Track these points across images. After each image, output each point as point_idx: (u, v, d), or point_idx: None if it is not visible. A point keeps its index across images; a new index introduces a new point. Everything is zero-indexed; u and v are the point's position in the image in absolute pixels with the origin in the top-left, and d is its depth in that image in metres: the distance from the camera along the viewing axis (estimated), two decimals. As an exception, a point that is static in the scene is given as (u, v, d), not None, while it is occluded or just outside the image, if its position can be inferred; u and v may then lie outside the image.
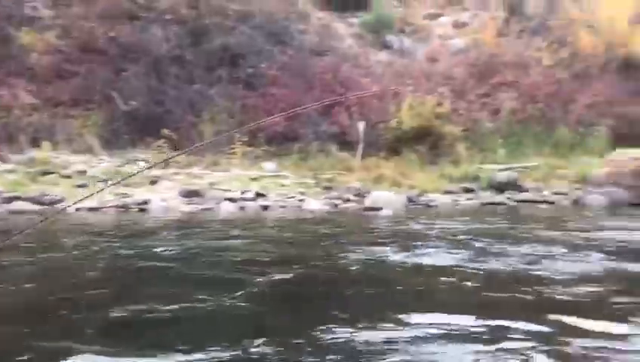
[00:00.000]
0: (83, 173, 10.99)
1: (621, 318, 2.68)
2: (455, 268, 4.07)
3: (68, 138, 12.49)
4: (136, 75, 14.10)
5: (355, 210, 10.41)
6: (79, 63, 13.97)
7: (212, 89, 14.72)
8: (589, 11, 22.01)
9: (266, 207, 10.34)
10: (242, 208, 10.19)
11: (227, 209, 9.96)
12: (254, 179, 12.16)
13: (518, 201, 12.34)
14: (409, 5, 22.30)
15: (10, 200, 9.03)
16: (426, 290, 3.57)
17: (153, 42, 14.77)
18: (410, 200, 11.61)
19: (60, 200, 9.32)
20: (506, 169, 13.83)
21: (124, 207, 9.52)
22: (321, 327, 2.47)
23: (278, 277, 3.76)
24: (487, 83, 17.39)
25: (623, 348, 2.25)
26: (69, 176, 10.80)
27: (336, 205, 10.93)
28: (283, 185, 11.96)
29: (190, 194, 10.55)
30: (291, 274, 3.90)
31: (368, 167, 13.35)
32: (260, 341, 2.28)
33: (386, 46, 20.21)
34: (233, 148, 13.33)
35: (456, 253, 4.74)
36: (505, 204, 12.07)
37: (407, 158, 13.95)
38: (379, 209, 10.14)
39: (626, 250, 5.05)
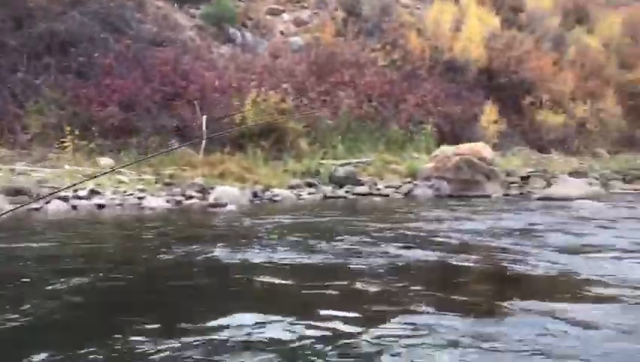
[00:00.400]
0: None
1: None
2: (266, 264, 4.13)
3: None
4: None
5: (199, 207, 10.23)
6: None
7: (39, 78, 13.48)
8: (418, 16, 23.84)
9: (101, 206, 9.73)
10: (75, 207, 9.49)
11: (57, 209, 9.22)
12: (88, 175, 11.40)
13: (355, 195, 13.01)
14: (251, -1, 22.38)
15: None
16: (226, 289, 3.58)
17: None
18: (254, 195, 11.69)
19: None
20: (345, 164, 14.49)
21: None
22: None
23: (75, 282, 3.53)
24: (327, 81, 18.02)
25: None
26: None
27: (178, 202, 10.64)
28: (121, 182, 11.35)
29: (16, 193, 9.59)
30: (89, 280, 3.68)
31: (212, 163, 13.16)
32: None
33: (228, 39, 20.07)
34: (63, 142, 12.36)
35: (276, 249, 4.83)
36: (344, 198, 12.65)
37: (251, 154, 13.99)
38: (223, 205, 10.06)
39: (429, 242, 5.44)
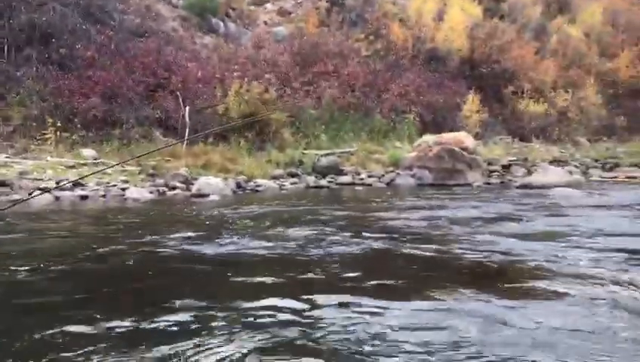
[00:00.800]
0: None
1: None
2: (225, 255, 4.20)
3: None
4: None
5: (182, 197, 10.30)
6: None
7: (20, 70, 13.42)
8: (401, 6, 23.94)
9: (84, 197, 9.77)
10: (57, 198, 9.52)
11: (39, 200, 9.24)
12: (71, 167, 11.41)
13: (338, 184, 13.15)
14: (234, -11, 22.31)
15: None
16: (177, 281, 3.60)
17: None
18: (238, 185, 11.77)
19: None
20: (328, 154, 14.62)
21: None
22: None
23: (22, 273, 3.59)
24: (310, 71, 18.09)
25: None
26: None
27: (162, 193, 10.71)
28: (104, 174, 11.37)
29: (-4, 185, 9.61)
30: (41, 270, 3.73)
31: (196, 154, 13.21)
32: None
33: (211, 30, 20.04)
34: (45, 134, 12.34)
35: (242, 239, 4.92)
36: (327, 187, 12.77)
37: (235, 144, 14.05)
38: (206, 195, 10.14)
39: (390, 230, 5.50)
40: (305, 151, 14.60)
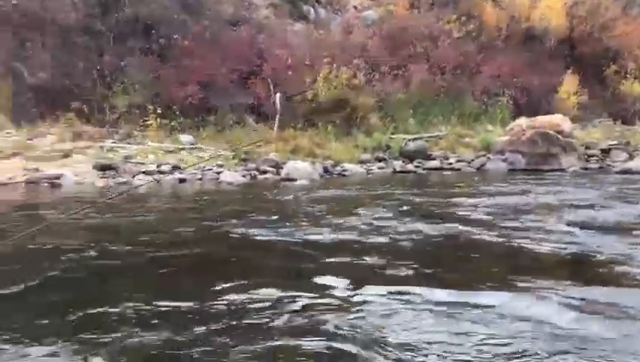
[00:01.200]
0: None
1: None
2: (301, 241, 4.32)
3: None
4: (43, 46, 13.54)
5: (272, 181, 10.69)
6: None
7: (124, 60, 14.37)
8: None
9: (183, 180, 10.40)
10: (158, 181, 10.20)
11: (142, 182, 9.94)
12: (171, 152, 12.14)
13: (426, 169, 13.06)
14: (324, -25, 22.41)
15: None
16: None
17: (60, 11, 14.16)
18: (325, 170, 12.02)
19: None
20: (416, 138, 14.52)
21: (35, 182, 9.34)
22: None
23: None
24: (399, 55, 17.95)
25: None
26: (-28, 152, 10.40)
27: (253, 176, 11.17)
28: (200, 158, 12.01)
29: (105, 168, 10.43)
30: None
31: (285, 139, 13.60)
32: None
33: (302, 17, 20.34)
34: (146, 120, 13.19)
35: (320, 225, 5.07)
36: (414, 172, 12.73)
37: (322, 129, 14.31)
38: (295, 179, 10.46)
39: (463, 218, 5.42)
40: (392, 136, 14.59)
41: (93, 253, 3.86)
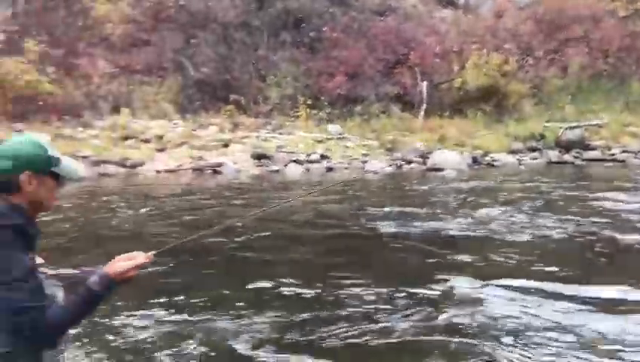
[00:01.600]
0: (160, 137, 11.65)
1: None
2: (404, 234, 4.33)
3: (144, 104, 13.22)
4: (206, 42, 14.65)
5: (418, 171, 10.64)
6: (151, 32, 14.65)
7: (277, 54, 15.07)
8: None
9: (330, 169, 10.74)
10: (308, 170, 10.63)
11: (293, 171, 10.43)
12: (319, 141, 12.54)
13: (585, 160, 12.18)
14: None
15: (97, 163, 9.82)
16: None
17: (221, 9, 15.20)
18: (474, 160, 11.69)
19: (142, 163, 10.14)
20: (574, 127, 13.57)
21: (199, 169, 10.19)
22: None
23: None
24: (556, 38, 16.85)
25: None
26: (147, 141, 11.51)
27: (399, 166, 11.20)
28: (347, 147, 12.28)
29: (260, 157, 11.07)
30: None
31: (431, 128, 13.43)
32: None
33: (450, 2, 19.85)
34: (297, 111, 13.74)
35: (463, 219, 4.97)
36: (571, 163, 11.95)
37: (471, 118, 13.91)
38: (441, 169, 10.32)
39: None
40: (547, 124, 13.77)
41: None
